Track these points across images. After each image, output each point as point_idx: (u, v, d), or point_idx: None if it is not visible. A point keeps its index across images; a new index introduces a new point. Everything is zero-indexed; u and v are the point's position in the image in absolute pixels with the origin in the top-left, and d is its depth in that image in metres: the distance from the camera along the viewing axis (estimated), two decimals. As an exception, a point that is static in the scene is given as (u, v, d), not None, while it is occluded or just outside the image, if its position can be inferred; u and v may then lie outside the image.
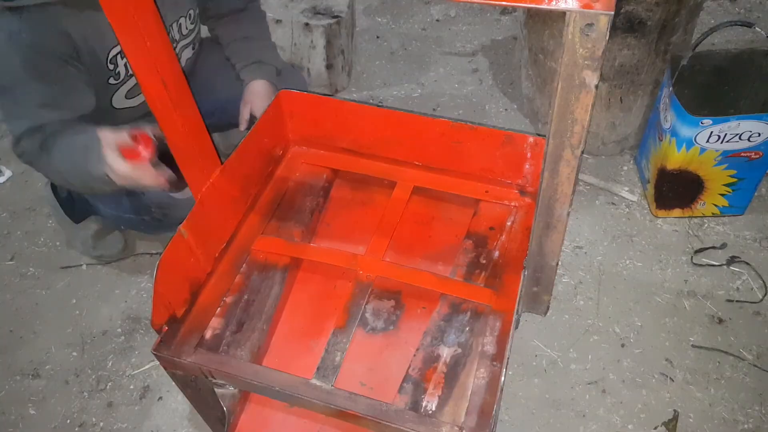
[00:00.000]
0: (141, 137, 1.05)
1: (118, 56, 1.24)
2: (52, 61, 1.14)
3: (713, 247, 1.60)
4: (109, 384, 1.46)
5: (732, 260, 1.57)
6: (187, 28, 1.38)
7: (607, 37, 0.59)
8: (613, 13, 0.57)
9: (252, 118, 1.43)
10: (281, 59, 1.55)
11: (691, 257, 1.59)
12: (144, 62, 0.82)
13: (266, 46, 1.52)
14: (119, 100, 1.31)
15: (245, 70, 1.46)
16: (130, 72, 1.27)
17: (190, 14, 1.37)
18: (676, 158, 1.53)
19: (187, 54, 1.43)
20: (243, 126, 1.45)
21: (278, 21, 1.91)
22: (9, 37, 1.09)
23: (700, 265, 1.58)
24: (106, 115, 1.28)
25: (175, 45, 1.35)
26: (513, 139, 1.07)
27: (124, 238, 1.65)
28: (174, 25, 1.33)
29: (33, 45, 1.11)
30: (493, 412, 0.83)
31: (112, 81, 1.26)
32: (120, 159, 1.04)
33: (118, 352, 1.52)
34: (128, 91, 1.31)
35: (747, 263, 1.57)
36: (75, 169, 1.15)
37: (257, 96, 1.43)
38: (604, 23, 0.58)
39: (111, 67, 1.24)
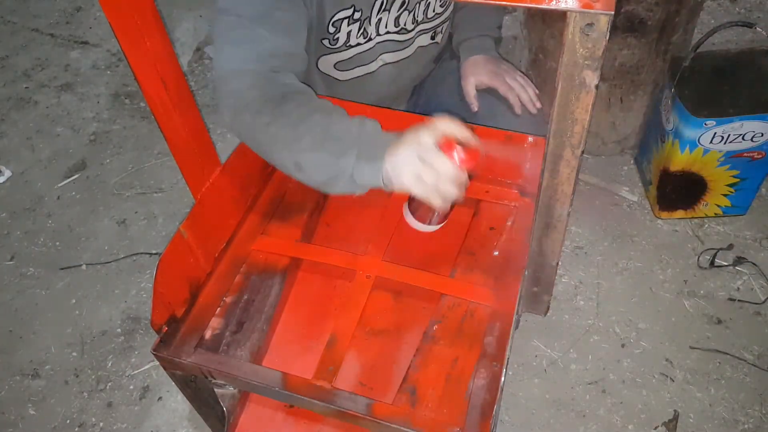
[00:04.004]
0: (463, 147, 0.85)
1: (345, 22, 1.09)
2: None
3: (721, 249, 1.59)
4: (109, 384, 1.46)
5: (738, 261, 1.57)
6: (434, 11, 1.20)
7: (607, 37, 0.59)
8: (613, 12, 0.57)
9: (483, 93, 1.29)
10: (499, 29, 1.39)
11: (698, 258, 1.59)
12: (144, 62, 0.81)
13: (490, 16, 1.36)
14: (326, 66, 1.18)
15: (462, 46, 1.33)
16: (351, 43, 1.14)
17: None
18: (679, 160, 1.53)
19: (423, 41, 1.24)
20: (475, 106, 1.29)
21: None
22: None
23: (701, 266, 1.58)
24: (305, 79, 1.06)
25: (413, 26, 1.19)
26: (513, 139, 1.06)
27: None
28: (422, 3, 1.16)
29: None
30: (493, 413, 0.83)
31: (325, 43, 1.12)
32: (442, 155, 0.81)
33: (117, 352, 1.52)
34: (340, 62, 1.17)
35: (754, 263, 1.56)
36: (316, 154, 0.86)
37: (477, 65, 1.29)
38: (604, 23, 0.58)
39: (331, 30, 1.09)
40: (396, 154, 0.82)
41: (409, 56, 1.25)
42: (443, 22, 1.26)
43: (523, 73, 1.32)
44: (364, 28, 1.13)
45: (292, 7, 0.98)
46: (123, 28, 0.77)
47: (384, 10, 1.12)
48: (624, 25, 1.51)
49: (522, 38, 1.86)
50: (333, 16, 1.08)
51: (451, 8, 1.24)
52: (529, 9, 1.71)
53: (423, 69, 1.35)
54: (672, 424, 1.33)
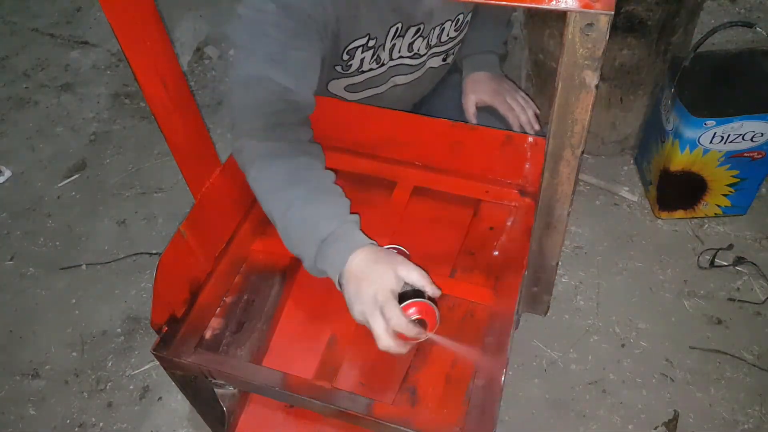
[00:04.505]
0: (428, 311, 0.84)
1: (359, 50, 1.09)
2: (308, 27, 0.96)
3: (721, 249, 1.59)
4: (109, 384, 1.46)
5: (738, 261, 1.57)
6: (448, 36, 1.19)
7: (608, 37, 0.59)
8: (613, 13, 0.57)
9: (483, 111, 1.31)
10: (505, 45, 1.39)
11: (698, 258, 1.59)
12: (144, 62, 0.81)
13: (496, 32, 1.35)
14: (336, 88, 1.19)
15: (466, 61, 1.33)
16: (363, 69, 1.14)
17: (458, 19, 1.18)
18: (679, 160, 1.53)
19: (434, 63, 1.24)
20: (473, 120, 1.30)
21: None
22: None
23: (701, 266, 1.58)
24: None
25: (426, 51, 1.18)
26: (513, 139, 1.06)
27: None
28: (436, 29, 1.15)
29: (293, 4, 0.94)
30: (494, 413, 0.83)
31: (338, 69, 1.12)
32: (392, 337, 0.81)
33: (117, 352, 1.52)
34: (350, 85, 1.18)
35: (754, 263, 1.56)
36: (286, 228, 0.90)
37: (478, 83, 1.30)
38: (604, 23, 0.58)
39: (345, 57, 1.09)
40: (357, 291, 0.83)
41: (419, 77, 1.24)
42: (456, 45, 1.25)
43: (525, 92, 1.32)
44: (378, 55, 1.12)
45: (307, 45, 0.96)
46: (123, 28, 0.77)
47: (398, 37, 1.11)
48: (624, 25, 1.51)
49: (522, 38, 1.86)
50: (348, 45, 1.07)
51: (465, 31, 1.23)
52: (529, 9, 1.71)
53: (429, 87, 1.35)
54: (672, 424, 1.33)
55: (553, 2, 0.57)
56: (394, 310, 0.80)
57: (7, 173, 1.98)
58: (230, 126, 0.96)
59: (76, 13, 2.62)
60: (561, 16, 0.58)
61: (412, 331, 0.81)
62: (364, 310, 0.82)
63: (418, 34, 1.13)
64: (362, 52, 1.10)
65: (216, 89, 2.23)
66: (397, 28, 1.09)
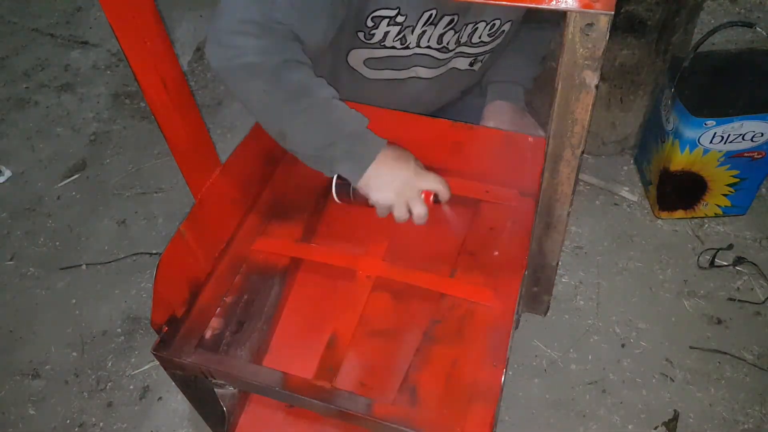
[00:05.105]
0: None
1: (385, 21, 1.05)
2: None
3: (721, 249, 1.60)
4: (109, 384, 1.46)
5: (738, 261, 1.57)
6: (480, 39, 1.15)
7: (608, 37, 0.59)
8: (613, 13, 0.57)
9: None
10: (533, 82, 1.35)
11: (698, 258, 1.59)
12: (144, 62, 0.81)
13: (528, 65, 1.32)
14: (356, 60, 1.14)
15: (492, 87, 1.30)
16: (386, 44, 1.09)
17: (494, 24, 1.13)
18: (679, 160, 1.53)
19: (460, 64, 1.20)
20: None
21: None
22: None
23: (701, 266, 1.58)
24: (332, 70, 1.11)
25: (455, 47, 1.14)
26: (513, 139, 1.06)
27: None
28: (469, 26, 1.11)
29: None
30: (494, 413, 0.83)
31: (360, 36, 1.08)
32: (422, 203, 0.93)
33: (118, 352, 1.52)
34: (370, 59, 1.13)
35: (754, 263, 1.56)
36: (307, 133, 0.92)
37: (499, 112, 1.27)
38: (604, 23, 0.58)
39: (369, 24, 1.05)
40: (385, 179, 0.91)
41: (441, 74, 1.21)
42: (486, 53, 1.21)
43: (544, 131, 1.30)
44: (404, 35, 1.09)
45: None
46: (123, 28, 0.77)
47: (430, 24, 1.08)
48: (624, 25, 1.51)
49: (522, 38, 1.86)
50: (373, 11, 1.04)
51: (498, 42, 1.20)
52: (529, 9, 1.70)
53: (450, 93, 1.31)
54: (672, 424, 1.33)
55: (553, 2, 0.57)
56: (416, 199, 0.94)
57: (7, 173, 1.98)
58: (217, 39, 0.93)
59: (76, 13, 2.62)
60: (561, 16, 0.58)
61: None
62: (400, 187, 0.92)
63: (451, 25, 1.10)
64: (388, 25, 1.06)
65: (216, 89, 2.22)
66: (431, 15, 1.06)
